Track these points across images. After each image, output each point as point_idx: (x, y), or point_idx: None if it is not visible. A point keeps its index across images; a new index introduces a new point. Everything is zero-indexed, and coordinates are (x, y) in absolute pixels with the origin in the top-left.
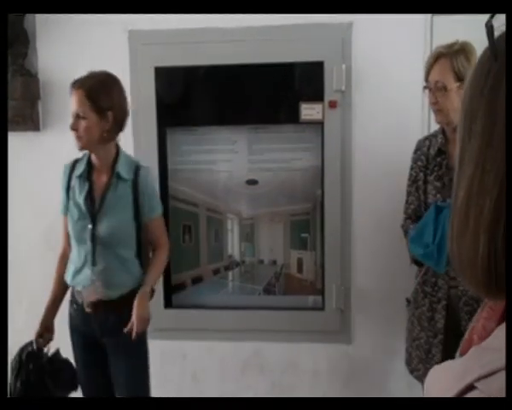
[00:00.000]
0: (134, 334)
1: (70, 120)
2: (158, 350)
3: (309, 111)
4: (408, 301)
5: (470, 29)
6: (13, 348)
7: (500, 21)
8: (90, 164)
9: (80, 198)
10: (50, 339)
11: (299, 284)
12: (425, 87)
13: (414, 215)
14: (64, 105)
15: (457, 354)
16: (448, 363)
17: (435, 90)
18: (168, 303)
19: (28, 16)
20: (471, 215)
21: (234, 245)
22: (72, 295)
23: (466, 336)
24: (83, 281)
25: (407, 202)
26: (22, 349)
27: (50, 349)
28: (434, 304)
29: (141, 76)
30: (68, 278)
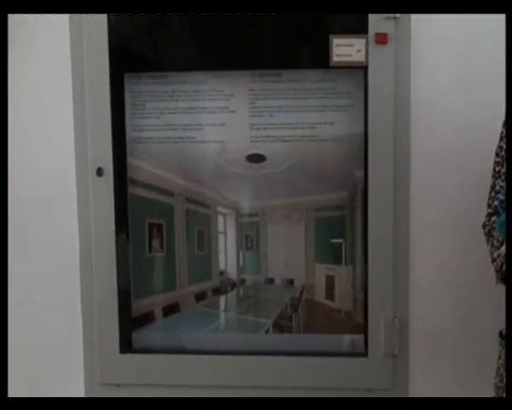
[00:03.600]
0: None
1: None
2: None
3: (345, 49)
4: (502, 336)
5: None
6: None
7: None
8: None
9: None
10: None
11: (329, 317)
12: None
13: (502, 210)
14: None
15: None
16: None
17: None
18: (126, 345)
19: None
20: None
21: (228, 256)
22: None
23: None
24: None
25: (492, 189)
26: None
27: None
28: None
29: None
30: None
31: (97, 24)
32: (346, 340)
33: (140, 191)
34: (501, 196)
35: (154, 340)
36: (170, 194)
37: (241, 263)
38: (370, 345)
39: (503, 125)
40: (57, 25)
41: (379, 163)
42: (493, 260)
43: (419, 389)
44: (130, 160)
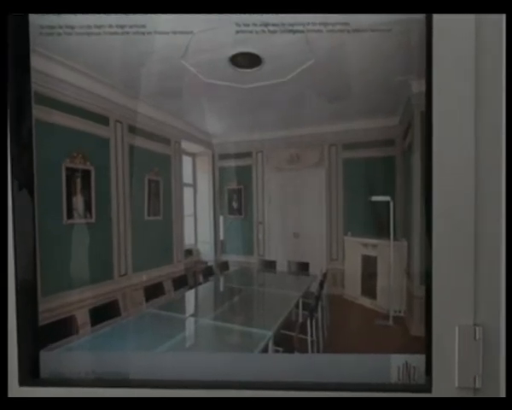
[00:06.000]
0: None
1: None
2: None
3: None
4: None
5: None
6: None
7: None
8: None
9: None
10: None
11: (368, 325)
12: None
13: None
14: None
15: None
16: None
17: None
18: (29, 373)
19: None
20: None
21: (200, 224)
22: None
23: None
24: None
25: None
26: None
27: None
28: None
29: None
30: None
31: None
32: (395, 363)
33: (53, 116)
34: None
35: (75, 363)
36: (103, 120)
37: (221, 236)
38: (436, 372)
39: None
40: None
41: (450, 69)
42: None
43: None
44: (35, 62)
